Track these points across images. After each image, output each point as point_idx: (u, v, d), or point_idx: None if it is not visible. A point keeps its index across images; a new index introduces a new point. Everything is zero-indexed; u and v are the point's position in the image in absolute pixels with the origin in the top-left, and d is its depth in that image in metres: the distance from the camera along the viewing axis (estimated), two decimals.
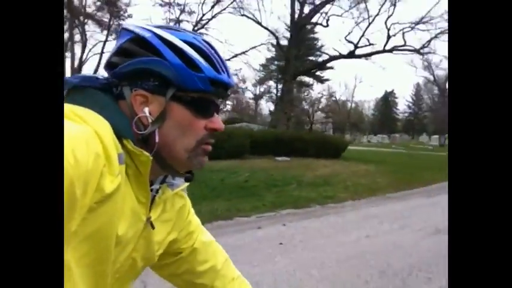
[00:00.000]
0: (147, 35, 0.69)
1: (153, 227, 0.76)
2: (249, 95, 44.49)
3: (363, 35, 20.87)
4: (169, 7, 19.37)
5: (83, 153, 0.55)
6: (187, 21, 20.10)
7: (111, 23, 19.38)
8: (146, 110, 0.69)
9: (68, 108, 0.63)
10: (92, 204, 0.58)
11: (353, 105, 57.39)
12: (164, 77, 0.68)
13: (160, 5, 19.69)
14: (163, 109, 0.70)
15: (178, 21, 19.26)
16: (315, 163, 11.52)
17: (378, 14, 20.74)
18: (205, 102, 0.71)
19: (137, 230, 0.71)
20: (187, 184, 0.85)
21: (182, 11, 20.07)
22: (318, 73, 36.12)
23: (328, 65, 25.83)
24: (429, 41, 20.40)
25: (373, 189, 8.62)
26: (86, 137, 0.58)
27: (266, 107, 50.53)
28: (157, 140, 0.69)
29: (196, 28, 19.03)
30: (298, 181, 9.05)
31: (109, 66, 0.70)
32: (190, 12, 20.54)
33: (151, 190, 0.75)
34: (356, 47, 21.12)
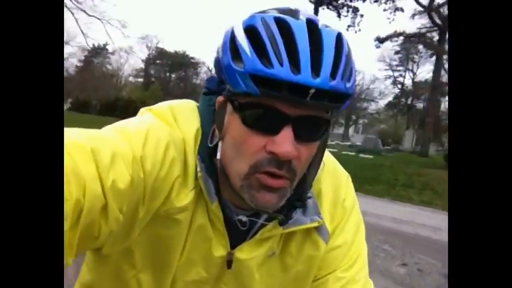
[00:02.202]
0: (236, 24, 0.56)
1: (228, 266, 0.63)
2: None
3: None
4: None
5: (158, 158, 0.53)
6: None
7: None
8: None
9: (173, 108, 0.60)
10: (160, 211, 0.55)
11: None
12: (220, 76, 0.57)
13: None
14: (223, 118, 0.57)
15: None
16: None
17: None
18: (262, 111, 0.51)
19: (208, 257, 0.62)
20: (313, 224, 0.63)
21: None
22: None
23: None
24: None
25: None
26: (167, 142, 0.54)
27: None
28: (218, 156, 0.57)
29: None
30: None
31: None
32: None
33: (243, 221, 0.61)
34: None
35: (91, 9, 13.57)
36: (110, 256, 0.60)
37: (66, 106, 34.07)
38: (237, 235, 0.62)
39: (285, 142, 0.50)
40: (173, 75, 43.12)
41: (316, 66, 0.49)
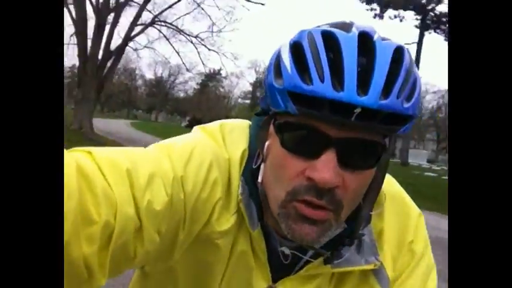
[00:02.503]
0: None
1: None
2: None
3: None
4: None
5: (200, 178, 0.51)
6: None
7: None
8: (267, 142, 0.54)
9: (223, 127, 0.58)
10: (201, 235, 0.53)
11: None
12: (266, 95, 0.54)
13: None
14: (265, 138, 0.54)
15: None
16: None
17: None
18: (301, 132, 0.48)
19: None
20: (368, 267, 0.56)
21: None
22: None
23: None
24: None
25: None
26: (211, 162, 0.53)
27: None
28: (259, 179, 0.54)
29: None
30: None
31: None
32: None
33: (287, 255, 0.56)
34: None
35: (211, 44, 17.09)
36: (154, 274, 0.60)
37: (184, 123, 38.41)
38: (281, 267, 0.57)
39: (325, 167, 0.45)
40: None
41: (363, 83, 0.44)
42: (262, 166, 0.53)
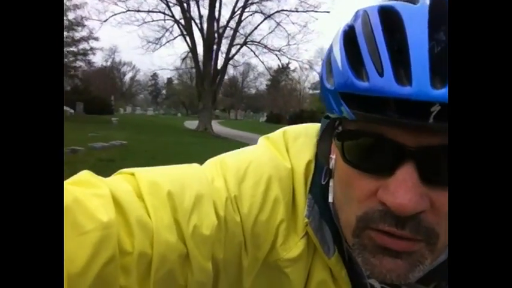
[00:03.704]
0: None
1: None
2: None
3: None
4: None
5: (257, 198, 0.45)
6: None
7: None
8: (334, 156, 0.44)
9: (287, 134, 0.51)
10: (268, 261, 0.46)
11: None
12: None
13: None
14: (328, 149, 0.46)
15: None
16: None
17: None
18: (365, 142, 0.38)
19: None
20: None
21: None
22: None
23: None
24: None
25: None
26: (269, 178, 0.46)
27: None
28: (330, 199, 0.45)
29: None
30: None
31: None
32: None
33: None
34: None
35: (290, 55, 20.69)
36: None
37: (262, 119, 40.90)
38: None
39: (402, 189, 0.34)
40: None
41: (439, 71, 0.33)
42: (331, 182, 0.45)
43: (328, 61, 0.41)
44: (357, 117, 0.36)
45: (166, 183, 0.42)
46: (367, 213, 0.38)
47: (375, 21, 0.37)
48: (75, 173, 0.41)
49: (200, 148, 9.65)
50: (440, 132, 0.34)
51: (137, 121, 20.75)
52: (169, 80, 59.24)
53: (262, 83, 45.42)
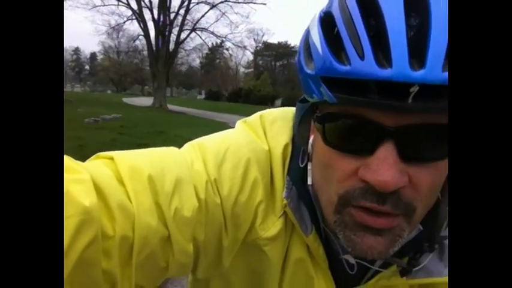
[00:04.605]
0: None
1: None
2: None
3: None
4: None
5: (237, 180, 0.45)
6: None
7: None
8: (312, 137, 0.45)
9: (263, 118, 0.52)
10: (247, 241, 0.47)
11: None
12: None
13: None
14: (307, 132, 0.47)
15: None
16: None
17: None
18: (346, 123, 0.39)
19: None
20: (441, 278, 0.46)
21: None
22: None
23: None
24: None
25: None
26: (248, 160, 0.46)
27: None
28: (308, 181, 0.46)
29: None
30: None
31: None
32: None
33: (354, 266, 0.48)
34: None
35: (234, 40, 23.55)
36: (208, 280, 0.55)
37: (201, 96, 40.40)
38: (347, 277, 0.49)
39: (382, 166, 0.36)
40: (278, 64, 47.97)
41: (418, 52, 0.34)
42: (309, 165, 0.46)
43: (306, 47, 0.40)
44: (339, 100, 0.36)
45: (147, 167, 0.42)
46: (348, 191, 0.39)
47: (352, 5, 0.37)
48: None
49: (172, 122, 10.34)
50: (417, 112, 0.35)
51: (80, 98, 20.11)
52: (93, 55, 55.27)
53: (195, 60, 45.27)
